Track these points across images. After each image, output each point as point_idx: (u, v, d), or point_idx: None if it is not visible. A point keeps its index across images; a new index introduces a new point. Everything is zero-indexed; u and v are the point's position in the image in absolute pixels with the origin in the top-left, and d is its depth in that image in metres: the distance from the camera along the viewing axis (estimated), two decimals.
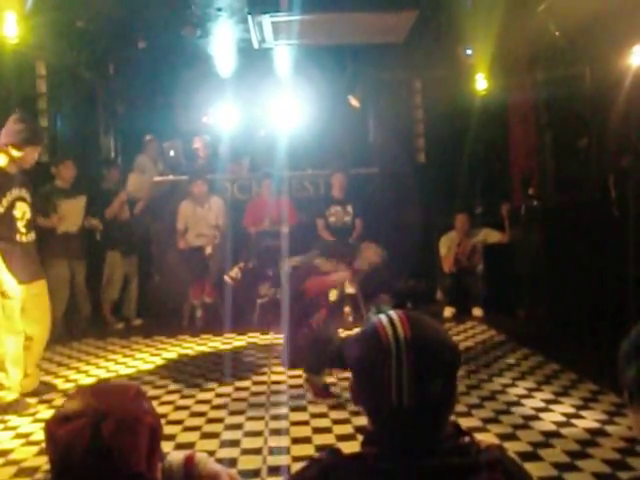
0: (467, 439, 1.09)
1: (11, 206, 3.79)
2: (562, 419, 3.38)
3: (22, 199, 3.89)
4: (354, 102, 7.43)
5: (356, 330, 1.19)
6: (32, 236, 3.97)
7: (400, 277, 6.24)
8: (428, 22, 5.82)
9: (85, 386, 1.16)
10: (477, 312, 5.94)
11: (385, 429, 1.08)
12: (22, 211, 3.86)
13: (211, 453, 3.04)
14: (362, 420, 3.25)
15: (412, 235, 6.32)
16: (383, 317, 1.12)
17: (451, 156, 6.74)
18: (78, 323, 5.86)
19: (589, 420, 3.33)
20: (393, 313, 1.12)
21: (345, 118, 7.37)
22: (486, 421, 3.40)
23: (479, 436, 1.17)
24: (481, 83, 6.60)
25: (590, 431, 3.18)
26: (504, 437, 3.14)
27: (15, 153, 3.79)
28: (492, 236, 6.03)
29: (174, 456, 1.40)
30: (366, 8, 5.35)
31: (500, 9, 5.31)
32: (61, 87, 6.48)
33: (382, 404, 1.05)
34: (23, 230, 3.86)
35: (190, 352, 5.21)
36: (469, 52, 6.49)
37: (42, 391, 4.16)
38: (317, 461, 1.14)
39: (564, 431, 3.20)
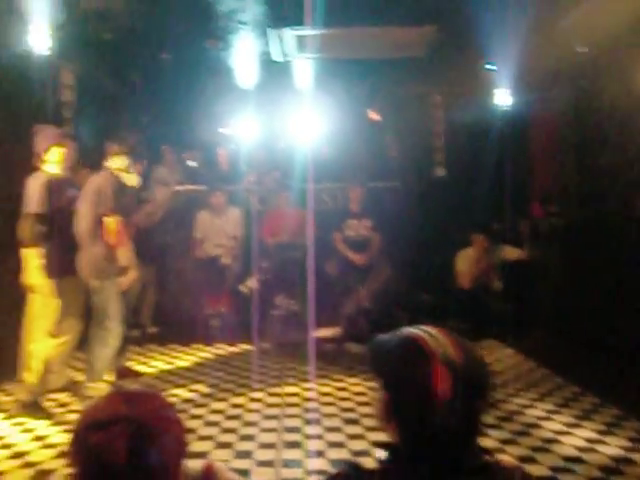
0: (489, 458, 1.08)
1: (67, 204, 3.99)
2: (584, 444, 3.29)
3: (77, 199, 4.06)
4: (373, 115, 7.45)
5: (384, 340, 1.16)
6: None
7: (415, 292, 6.20)
8: (449, 36, 5.83)
9: (112, 392, 1.13)
10: (494, 330, 5.85)
11: (417, 446, 1.06)
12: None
13: (225, 463, 3.02)
14: (377, 436, 3.21)
15: (429, 250, 6.28)
16: (425, 335, 1.09)
17: (471, 171, 6.70)
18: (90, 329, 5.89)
19: (613, 447, 3.25)
20: (435, 332, 1.09)
21: (364, 131, 7.38)
22: (504, 442, 3.34)
23: (499, 456, 1.15)
24: (503, 98, 6.57)
25: (614, 458, 3.10)
26: (522, 460, 3.08)
27: (51, 157, 3.95)
28: (511, 253, 5.96)
29: (192, 465, 1.39)
30: (387, 23, 5.38)
31: (524, 24, 5.30)
32: (86, 97, 6.58)
33: (425, 423, 1.03)
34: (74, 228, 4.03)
35: (204, 361, 5.20)
36: (491, 67, 6.48)
37: (70, 389, 4.22)
38: (338, 475, 1.12)
39: (586, 457, 3.13)
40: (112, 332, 3.96)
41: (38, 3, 4.71)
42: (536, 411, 3.84)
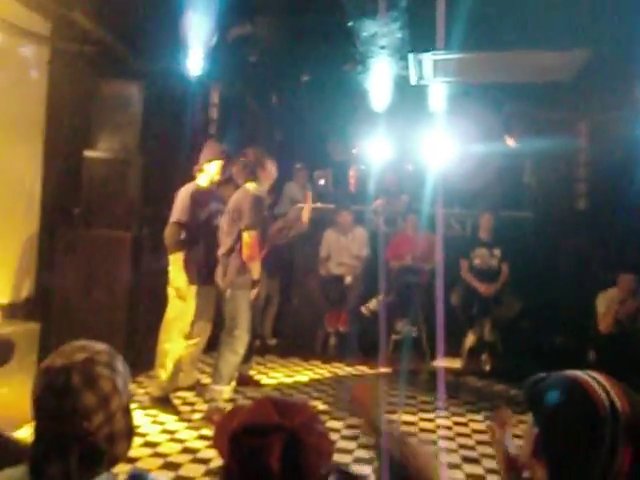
0: None
1: (211, 217, 4.33)
2: None
3: (219, 212, 4.38)
4: (510, 141, 7.18)
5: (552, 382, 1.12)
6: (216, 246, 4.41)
7: (547, 332, 5.82)
8: (601, 60, 5.48)
9: (265, 400, 1.17)
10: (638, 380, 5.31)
11: None
12: (218, 222, 4.35)
13: None
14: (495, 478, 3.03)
15: (564, 288, 5.89)
16: (591, 380, 1.05)
17: (617, 204, 6.20)
18: (220, 335, 6.19)
19: None
20: (600, 377, 1.05)
21: (499, 158, 7.13)
22: None
23: None
24: None
25: None
26: None
27: (208, 167, 4.31)
28: None
29: None
30: (534, 47, 5.17)
31: None
32: (229, 114, 7.01)
33: (580, 471, 0.98)
34: (216, 239, 4.32)
35: (321, 378, 5.27)
36: None
37: (196, 389, 4.49)
38: None
39: None
40: (240, 340, 4.14)
41: (194, 29, 5.14)
42: None
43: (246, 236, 4.09)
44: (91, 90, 4.80)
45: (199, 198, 4.25)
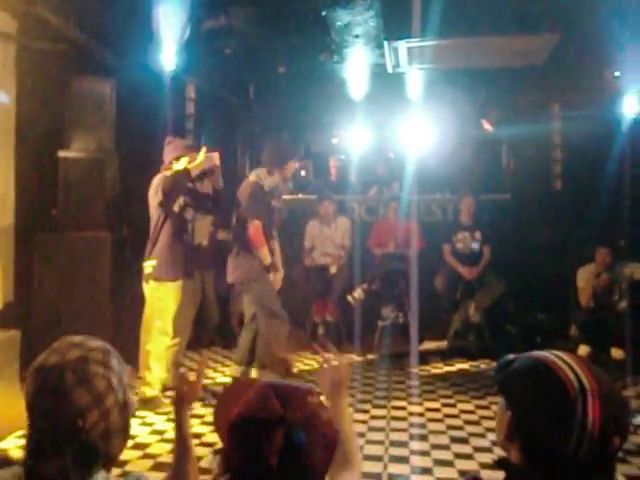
0: None
1: (182, 210, 4.27)
2: None
3: (190, 205, 4.35)
4: (487, 126, 7.24)
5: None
6: (189, 238, 4.42)
7: (530, 310, 5.92)
8: (570, 43, 5.54)
9: (264, 384, 1.15)
10: (616, 353, 5.44)
11: (543, 472, 1.04)
12: (190, 215, 4.34)
13: None
14: (486, 457, 3.10)
15: (544, 266, 5.98)
16: (558, 360, 1.07)
17: (592, 184, 6.30)
18: (207, 331, 6.18)
19: None
20: (566, 357, 1.07)
21: (477, 142, 7.19)
22: (632, 479, 3.09)
23: None
24: (629, 107, 6.13)
25: None
26: None
27: (178, 165, 4.23)
28: (638, 272, 5.50)
29: None
30: (505, 32, 5.21)
31: None
32: (206, 109, 6.96)
33: (553, 450, 1.01)
34: (189, 232, 4.34)
35: (311, 369, 5.29)
36: (616, 74, 6.07)
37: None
38: None
39: None
40: (272, 326, 4.21)
41: (166, 23, 5.07)
42: None
43: (250, 225, 4.08)
44: (63, 88, 4.72)
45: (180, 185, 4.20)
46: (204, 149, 4.30)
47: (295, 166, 4.41)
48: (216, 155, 4.49)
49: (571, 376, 1.03)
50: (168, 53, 5.13)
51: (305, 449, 1.04)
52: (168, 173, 4.12)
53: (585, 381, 1.02)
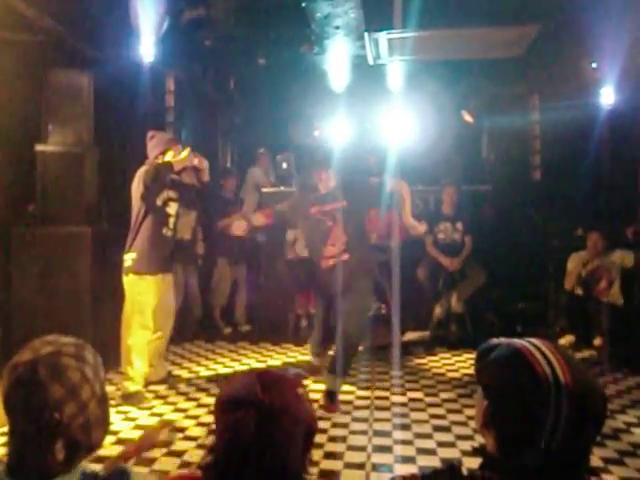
0: (594, 479, 1.08)
1: (165, 204, 4.23)
2: None
3: (173, 199, 4.31)
4: (467, 117, 7.28)
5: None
6: (172, 233, 4.37)
7: (511, 298, 5.99)
8: (549, 35, 5.59)
9: (253, 371, 1.19)
10: (597, 341, 5.50)
11: (515, 461, 1.05)
12: (174, 209, 4.30)
13: (314, 464, 3.06)
14: (468, 445, 3.13)
15: (525, 256, 6.05)
16: (532, 348, 1.08)
17: (570, 174, 6.39)
18: (190, 325, 6.16)
19: None
20: (544, 347, 1.08)
21: (458, 133, 7.23)
22: (609, 462, 3.15)
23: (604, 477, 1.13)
24: (607, 97, 6.22)
25: None
26: None
27: (166, 159, 4.21)
28: (629, 259, 5.32)
29: None
30: (486, 23, 5.24)
31: (629, 19, 4.99)
32: (186, 101, 6.90)
33: (525, 441, 1.02)
34: (171, 226, 4.29)
35: (294, 361, 5.30)
36: (594, 65, 6.15)
37: (169, 382, 4.46)
38: (436, 475, 1.14)
39: None
40: None
41: (145, 14, 5.01)
42: None
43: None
44: (39, 81, 4.64)
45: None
46: (189, 149, 4.27)
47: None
48: (202, 160, 4.47)
49: (546, 368, 1.04)
50: (147, 45, 5.07)
51: (280, 433, 1.07)
52: (151, 166, 4.08)
53: (560, 373, 1.03)
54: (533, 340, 1.11)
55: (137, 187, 4.07)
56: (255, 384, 1.11)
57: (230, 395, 1.13)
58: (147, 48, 5.05)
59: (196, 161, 4.35)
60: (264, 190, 6.97)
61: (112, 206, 4.85)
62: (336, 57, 6.59)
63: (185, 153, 4.20)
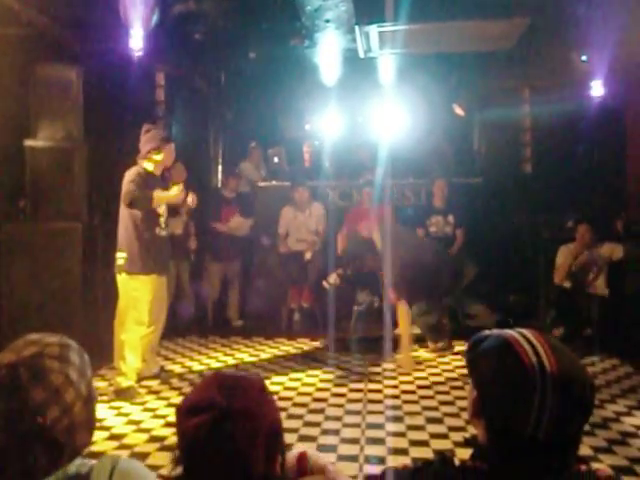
0: (584, 467, 1.07)
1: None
2: None
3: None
4: (458, 110, 7.28)
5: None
6: (167, 232, 4.40)
7: (502, 291, 6.02)
8: (539, 28, 5.60)
9: (213, 374, 1.17)
10: (587, 333, 5.53)
11: (504, 449, 1.07)
12: (163, 209, 4.31)
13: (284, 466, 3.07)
14: (460, 436, 3.15)
15: (516, 248, 6.08)
16: (521, 339, 1.08)
17: (560, 167, 6.41)
18: (182, 320, 6.15)
19: None
20: (532, 337, 1.08)
21: (449, 126, 7.24)
22: (598, 451, 3.19)
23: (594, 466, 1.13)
24: (596, 90, 6.24)
25: None
26: (619, 470, 2.92)
27: (157, 157, 4.21)
28: (617, 252, 5.35)
29: (288, 454, 1.44)
30: (476, 16, 5.24)
31: (619, 13, 5.01)
32: (177, 95, 6.86)
33: (512, 430, 1.03)
34: (163, 225, 4.30)
35: (287, 355, 5.31)
36: (584, 58, 6.17)
37: (162, 377, 4.46)
38: (428, 466, 1.14)
39: None
40: None
41: (134, 7, 4.96)
42: (634, 419, 3.64)
43: None
44: (27, 76, 4.60)
45: (147, 182, 4.15)
46: (181, 186, 4.27)
47: None
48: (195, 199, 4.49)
49: (532, 357, 1.04)
50: (137, 39, 5.03)
51: (239, 435, 1.05)
52: (130, 188, 4.03)
53: (547, 363, 1.03)
54: (523, 331, 1.12)
55: (124, 188, 4.06)
56: (213, 388, 1.10)
57: (188, 401, 1.12)
58: (137, 42, 5.00)
59: (190, 200, 4.38)
60: (259, 184, 6.96)
61: (103, 201, 4.83)
62: (327, 50, 6.56)
63: (175, 190, 4.22)
